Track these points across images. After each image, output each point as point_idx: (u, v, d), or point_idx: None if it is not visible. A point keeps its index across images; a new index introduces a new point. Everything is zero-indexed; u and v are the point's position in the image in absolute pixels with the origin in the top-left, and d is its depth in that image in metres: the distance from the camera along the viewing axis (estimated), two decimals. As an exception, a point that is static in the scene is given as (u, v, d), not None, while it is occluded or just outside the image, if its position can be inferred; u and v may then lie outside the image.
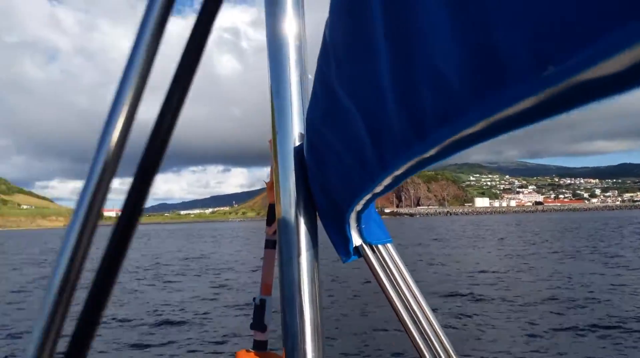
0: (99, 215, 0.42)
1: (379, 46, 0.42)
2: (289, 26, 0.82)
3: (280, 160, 0.85)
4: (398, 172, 0.49)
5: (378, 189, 0.59)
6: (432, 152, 0.39)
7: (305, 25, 0.62)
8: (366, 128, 0.51)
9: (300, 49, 0.79)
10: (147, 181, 0.46)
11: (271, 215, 1.06)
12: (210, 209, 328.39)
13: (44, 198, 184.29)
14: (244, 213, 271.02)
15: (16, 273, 23.33)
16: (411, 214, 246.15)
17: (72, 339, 0.40)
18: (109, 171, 0.43)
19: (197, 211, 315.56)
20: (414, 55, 0.37)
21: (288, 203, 0.84)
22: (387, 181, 0.54)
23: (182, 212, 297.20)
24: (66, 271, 0.41)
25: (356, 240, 0.85)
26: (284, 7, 0.82)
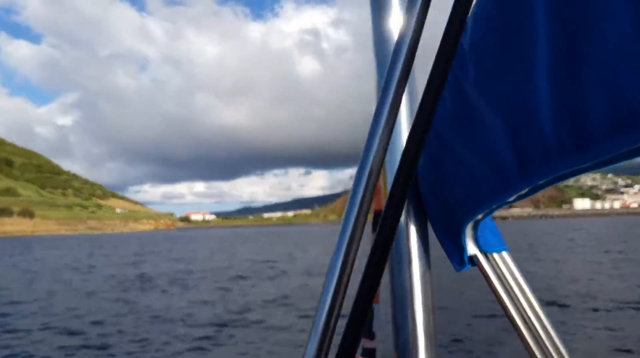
0: (366, 216, 0.42)
1: (539, 57, 0.41)
2: (395, 27, 0.79)
3: (389, 166, 0.83)
4: (540, 182, 0.48)
5: (511, 198, 0.57)
6: (588, 164, 0.38)
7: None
8: (510, 138, 0.49)
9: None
10: (406, 181, 0.46)
11: (377, 223, 0.90)
12: (292, 212, 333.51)
13: (136, 202, 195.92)
14: (325, 216, 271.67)
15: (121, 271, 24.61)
16: (503, 218, 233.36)
17: (346, 330, 0.42)
18: (374, 173, 0.44)
19: (279, 214, 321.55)
20: (585, 66, 0.35)
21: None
22: (525, 191, 0.52)
23: (265, 215, 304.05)
24: (341, 269, 0.44)
25: (471, 249, 0.83)
26: (390, 6, 0.80)
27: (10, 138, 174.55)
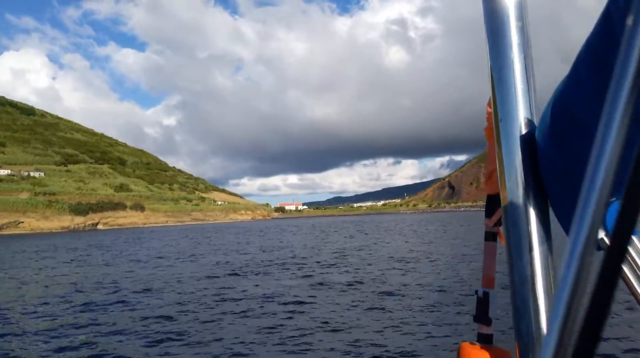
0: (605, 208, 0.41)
1: None
2: (509, 6, 0.77)
3: (505, 148, 0.80)
4: None
5: None
6: None
7: (527, 3, 0.57)
8: None
9: (523, 30, 0.75)
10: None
11: (491, 206, 1.00)
12: (382, 202, 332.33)
13: (235, 195, 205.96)
14: (414, 205, 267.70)
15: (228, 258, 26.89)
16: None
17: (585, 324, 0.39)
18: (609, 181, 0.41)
19: (369, 203, 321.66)
20: None
21: (516, 193, 0.79)
22: None
23: (355, 205, 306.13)
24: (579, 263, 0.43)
25: (598, 233, 0.63)
26: None
27: (123, 139, 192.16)
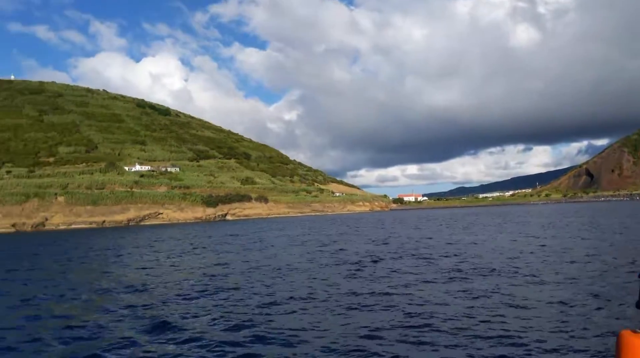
0: None
1: None
2: None
3: None
4: None
5: None
6: None
7: None
8: None
9: None
10: None
11: None
12: (510, 192, 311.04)
13: (352, 186, 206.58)
14: (547, 195, 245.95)
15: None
16: None
17: None
18: None
19: (495, 193, 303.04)
20: None
21: None
22: None
23: (481, 195, 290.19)
24: None
25: None
26: None
27: (248, 135, 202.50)
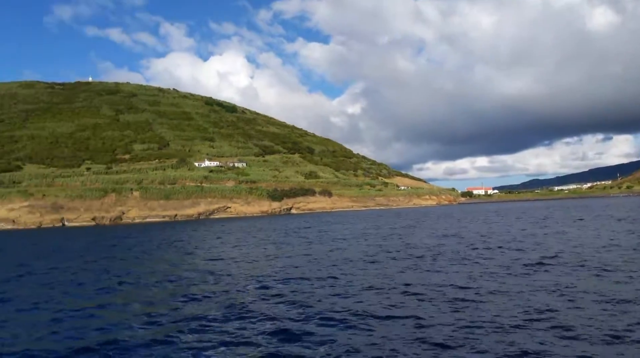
0: None
1: None
2: None
3: None
4: None
5: None
6: None
7: None
8: None
9: None
10: None
11: None
12: (588, 184, 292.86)
13: (418, 179, 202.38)
14: (628, 187, 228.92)
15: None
16: None
17: None
18: None
19: (572, 186, 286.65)
20: None
21: None
22: None
23: (556, 188, 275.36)
24: None
25: None
26: None
27: (311, 130, 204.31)
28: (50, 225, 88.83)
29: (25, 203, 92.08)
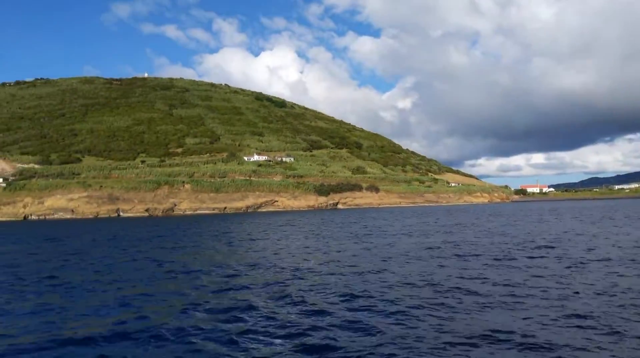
0: None
1: None
2: None
3: None
4: None
5: None
6: None
7: None
8: None
9: None
10: None
11: None
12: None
13: (469, 176, 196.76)
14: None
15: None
16: None
17: None
18: None
19: (634, 185, 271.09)
20: None
21: None
22: None
23: (616, 187, 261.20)
24: None
25: None
26: None
27: (360, 124, 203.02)
28: (106, 215, 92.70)
29: (84, 194, 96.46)
